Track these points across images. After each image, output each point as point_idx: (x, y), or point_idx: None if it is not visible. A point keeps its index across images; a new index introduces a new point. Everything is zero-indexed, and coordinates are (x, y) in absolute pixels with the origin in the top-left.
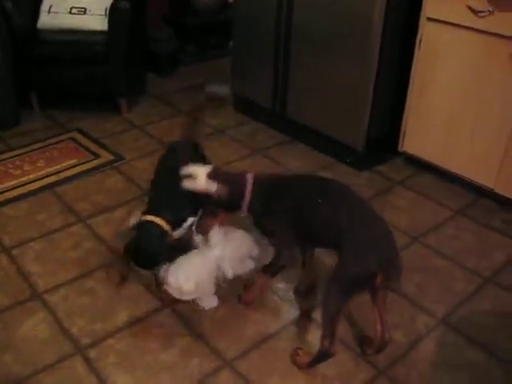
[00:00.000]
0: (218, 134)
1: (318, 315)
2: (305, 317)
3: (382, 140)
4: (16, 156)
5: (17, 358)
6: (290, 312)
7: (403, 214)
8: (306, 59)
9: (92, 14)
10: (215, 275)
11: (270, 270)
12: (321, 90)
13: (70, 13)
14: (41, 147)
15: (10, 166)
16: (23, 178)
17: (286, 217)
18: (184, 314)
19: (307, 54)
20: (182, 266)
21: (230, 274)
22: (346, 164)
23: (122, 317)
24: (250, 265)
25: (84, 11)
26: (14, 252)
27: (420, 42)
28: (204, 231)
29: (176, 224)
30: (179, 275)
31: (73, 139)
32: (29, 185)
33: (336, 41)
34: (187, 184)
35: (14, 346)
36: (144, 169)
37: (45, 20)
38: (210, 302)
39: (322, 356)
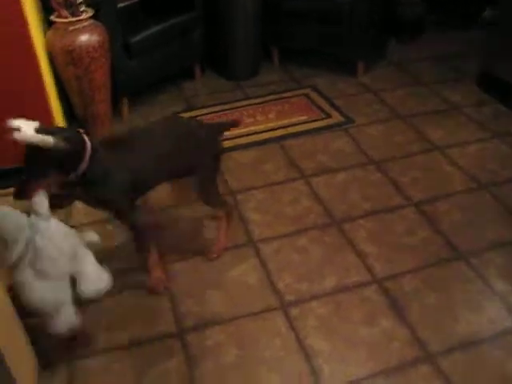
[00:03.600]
0: (453, 112)
1: None
2: None
3: None
4: (250, 105)
5: (223, 298)
6: (509, 319)
7: None
8: None
9: None
10: None
11: (140, 245)
12: None
13: None
14: (274, 99)
15: (245, 113)
16: (254, 127)
17: (128, 176)
18: (393, 293)
19: None
20: None
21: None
22: None
23: (329, 282)
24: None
25: None
26: (238, 197)
27: None
28: (27, 195)
29: None
30: None
31: (306, 96)
32: (258, 134)
33: None
34: (16, 135)
35: (223, 287)
36: (372, 135)
37: None
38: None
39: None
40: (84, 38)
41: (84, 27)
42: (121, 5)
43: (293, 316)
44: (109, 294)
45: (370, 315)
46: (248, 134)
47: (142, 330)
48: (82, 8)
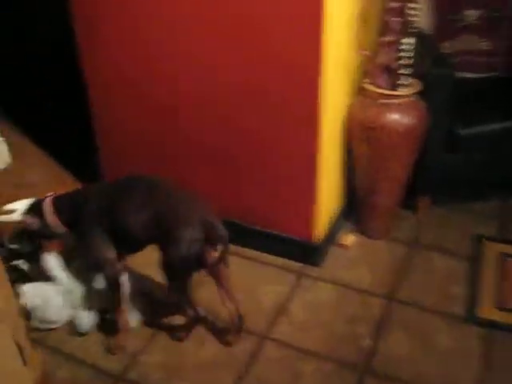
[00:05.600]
0: None
1: None
2: None
3: None
4: None
5: None
6: None
7: None
8: None
9: None
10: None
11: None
12: None
13: None
14: None
15: None
16: None
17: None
18: None
19: None
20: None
21: None
22: None
23: None
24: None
25: None
26: None
27: None
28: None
29: None
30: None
31: None
32: None
33: None
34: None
35: None
36: None
37: None
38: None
39: (195, 321)
40: (393, 117)
41: (399, 104)
42: (460, 75)
43: None
44: None
45: None
46: None
47: None
48: (406, 80)
